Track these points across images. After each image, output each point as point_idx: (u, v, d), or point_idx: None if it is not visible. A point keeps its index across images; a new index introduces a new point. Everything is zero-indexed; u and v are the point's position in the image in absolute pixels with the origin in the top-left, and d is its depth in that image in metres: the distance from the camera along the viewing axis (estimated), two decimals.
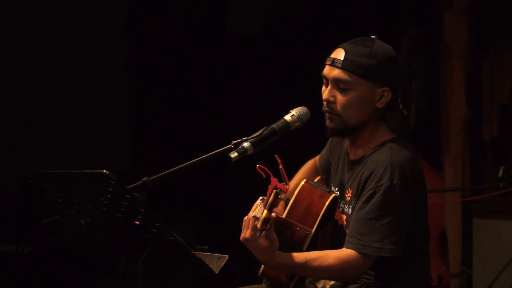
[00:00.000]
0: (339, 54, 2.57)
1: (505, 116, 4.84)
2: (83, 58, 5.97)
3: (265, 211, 2.36)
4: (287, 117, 2.56)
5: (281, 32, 6.05)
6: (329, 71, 2.58)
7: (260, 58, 6.15)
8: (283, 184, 2.38)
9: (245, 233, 2.43)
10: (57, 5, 5.86)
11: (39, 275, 4.89)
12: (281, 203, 2.62)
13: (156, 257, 2.48)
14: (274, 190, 2.36)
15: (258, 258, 2.49)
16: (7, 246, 4.87)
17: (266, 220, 2.37)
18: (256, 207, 2.43)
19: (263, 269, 2.62)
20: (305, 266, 2.48)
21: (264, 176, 2.41)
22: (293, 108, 2.60)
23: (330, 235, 2.70)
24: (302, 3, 5.97)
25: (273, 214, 2.38)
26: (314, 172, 2.94)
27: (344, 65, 2.55)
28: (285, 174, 2.43)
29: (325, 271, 2.50)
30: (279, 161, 2.42)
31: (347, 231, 2.59)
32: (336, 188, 2.71)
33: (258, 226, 2.37)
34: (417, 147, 4.87)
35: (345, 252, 2.50)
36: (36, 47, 5.81)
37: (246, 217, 2.46)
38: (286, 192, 2.38)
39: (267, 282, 2.72)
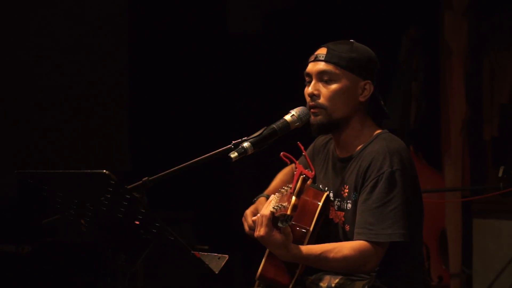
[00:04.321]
0: (321, 50, 2.65)
1: (505, 116, 4.84)
2: (83, 58, 5.97)
3: (294, 198, 2.37)
4: (287, 117, 2.57)
5: (281, 32, 6.05)
6: (312, 66, 2.65)
7: (260, 57, 6.15)
8: (308, 170, 2.40)
9: (259, 231, 2.44)
10: (58, 5, 5.87)
11: (39, 275, 4.89)
12: (267, 201, 2.62)
13: (156, 257, 2.48)
14: (301, 176, 2.38)
15: (273, 252, 2.50)
16: (7, 246, 4.87)
17: (295, 207, 2.37)
18: (270, 202, 2.45)
19: (261, 272, 2.61)
20: (320, 257, 2.49)
21: (289, 163, 2.46)
22: (293, 108, 2.60)
23: (320, 234, 2.71)
24: (302, 2, 5.97)
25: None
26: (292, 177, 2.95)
27: (328, 58, 2.61)
28: (309, 161, 2.48)
29: (341, 261, 2.51)
30: (302, 147, 2.45)
31: (347, 227, 2.62)
32: (326, 188, 2.73)
33: (288, 212, 2.36)
34: (417, 147, 4.87)
35: (358, 243, 2.52)
36: (36, 48, 5.81)
37: (257, 216, 2.46)
38: (311, 178, 2.40)
39: (261, 285, 2.71)
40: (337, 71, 2.60)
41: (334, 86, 2.60)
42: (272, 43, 6.08)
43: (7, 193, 5.22)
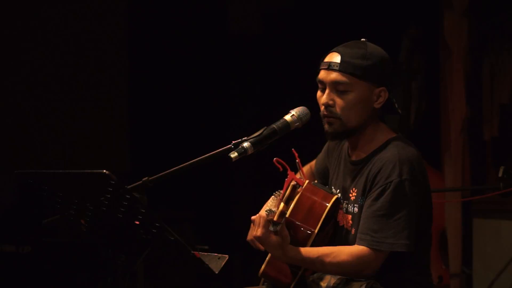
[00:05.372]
0: (335, 57, 2.59)
1: (505, 116, 4.84)
2: (83, 58, 5.97)
3: (282, 204, 2.37)
4: (287, 117, 2.57)
5: (281, 32, 6.05)
6: (326, 75, 2.60)
7: (260, 58, 6.15)
8: (300, 178, 2.40)
9: (256, 231, 2.45)
10: (57, 5, 5.86)
11: (39, 275, 4.89)
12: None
13: (156, 257, 2.48)
14: (292, 183, 2.38)
15: (270, 253, 2.50)
16: (7, 246, 4.87)
17: (283, 213, 2.37)
18: (267, 204, 2.46)
19: (264, 269, 2.62)
20: (317, 261, 2.50)
21: (281, 169, 2.45)
22: (293, 108, 2.60)
23: (332, 237, 2.71)
24: (302, 3, 5.97)
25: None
26: (310, 176, 2.94)
27: (342, 68, 2.56)
28: (301, 168, 2.46)
29: (338, 267, 2.51)
30: (296, 154, 2.44)
31: (353, 231, 2.61)
32: (338, 190, 2.72)
33: (275, 218, 2.38)
34: (417, 147, 4.87)
35: (358, 248, 2.52)
36: (36, 48, 5.81)
37: (256, 216, 2.47)
38: (302, 186, 2.39)
39: (266, 283, 2.72)
40: (352, 81, 2.56)
41: (349, 97, 2.57)
42: (272, 43, 6.08)
43: (7, 193, 5.21)
